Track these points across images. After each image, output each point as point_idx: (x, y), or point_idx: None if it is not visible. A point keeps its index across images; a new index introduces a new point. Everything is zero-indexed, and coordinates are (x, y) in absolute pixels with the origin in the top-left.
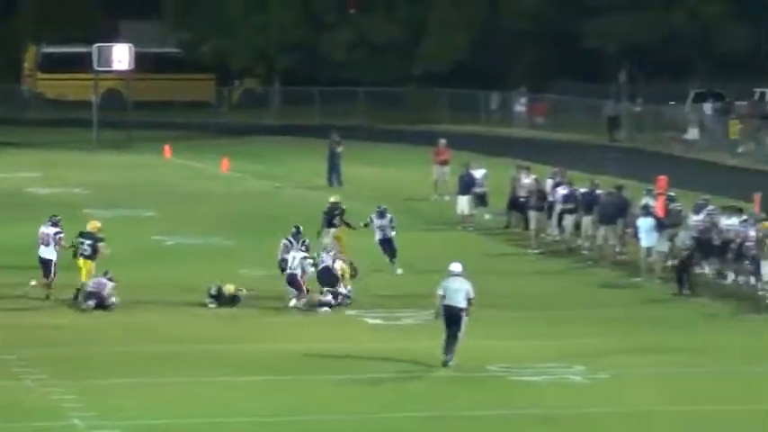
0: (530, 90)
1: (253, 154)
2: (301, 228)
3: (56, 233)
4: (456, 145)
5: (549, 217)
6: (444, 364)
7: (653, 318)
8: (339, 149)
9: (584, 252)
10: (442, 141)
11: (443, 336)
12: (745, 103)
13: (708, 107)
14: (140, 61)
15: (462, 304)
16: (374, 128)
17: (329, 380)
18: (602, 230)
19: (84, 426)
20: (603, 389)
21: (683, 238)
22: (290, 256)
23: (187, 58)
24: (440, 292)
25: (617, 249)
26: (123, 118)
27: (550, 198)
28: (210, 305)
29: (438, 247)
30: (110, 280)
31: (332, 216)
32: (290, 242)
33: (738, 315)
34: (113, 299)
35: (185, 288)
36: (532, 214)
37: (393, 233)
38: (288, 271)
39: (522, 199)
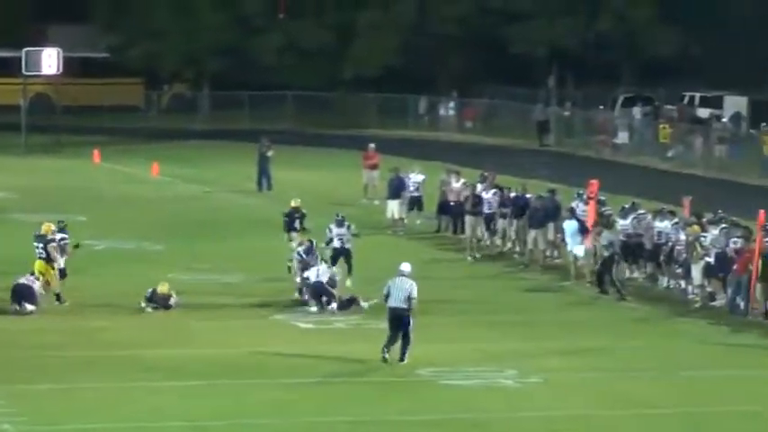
0: (459, 95)
1: (182, 158)
2: (315, 242)
3: (61, 239)
4: (385, 149)
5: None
6: (384, 360)
7: (583, 322)
8: (269, 154)
9: (516, 256)
10: (371, 146)
11: (386, 335)
12: (674, 106)
13: (637, 111)
14: (69, 66)
15: (404, 305)
16: (304, 132)
17: (259, 384)
18: (532, 234)
19: (15, 431)
20: (535, 393)
21: (606, 237)
22: (314, 270)
23: (116, 62)
24: (384, 291)
25: (547, 253)
26: (52, 122)
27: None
28: (147, 309)
29: (368, 252)
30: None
31: (292, 220)
32: (302, 257)
33: (668, 319)
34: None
35: (116, 293)
36: (468, 219)
37: (349, 245)
38: (313, 280)
39: (451, 203)
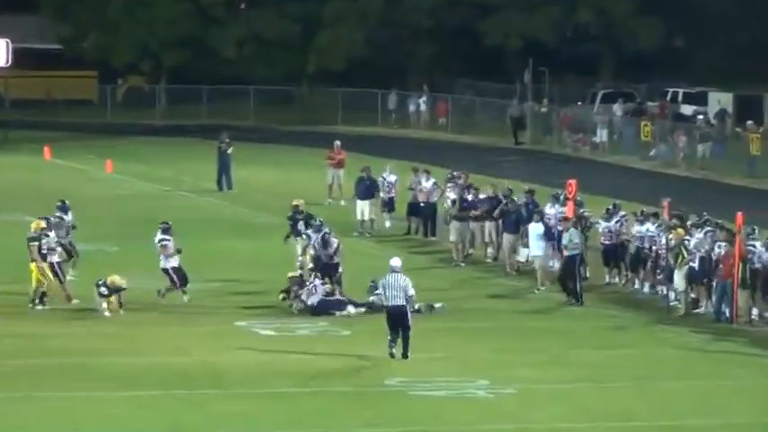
0: (430, 89)
1: (138, 155)
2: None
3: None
4: (351, 147)
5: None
6: (392, 356)
7: (559, 330)
8: (229, 151)
9: (488, 260)
10: (337, 143)
11: (388, 337)
12: (656, 103)
13: (617, 108)
14: (18, 57)
15: (402, 302)
16: (266, 128)
17: (217, 395)
18: (507, 239)
19: None
20: (508, 404)
21: (571, 236)
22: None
23: (68, 54)
24: (379, 290)
25: (521, 259)
26: (0, 117)
27: (448, 202)
28: (103, 302)
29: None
30: None
31: (295, 221)
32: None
33: (649, 326)
34: None
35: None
36: (454, 225)
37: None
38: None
39: (421, 204)
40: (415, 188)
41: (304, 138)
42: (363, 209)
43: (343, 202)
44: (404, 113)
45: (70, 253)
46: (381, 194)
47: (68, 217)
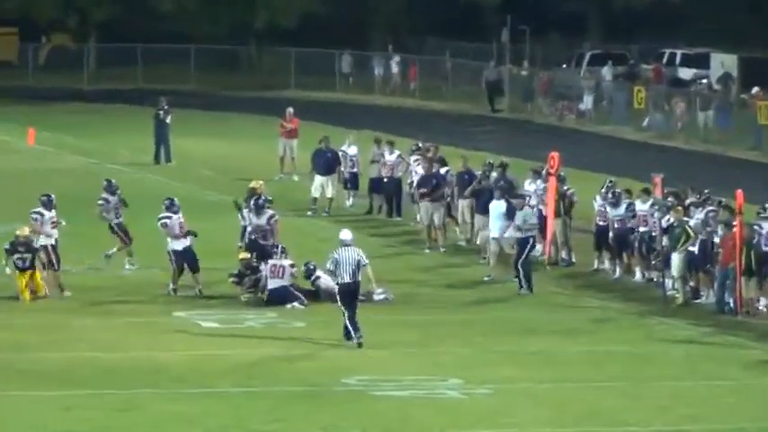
0: (394, 50)
1: (64, 124)
2: None
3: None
4: (306, 114)
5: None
6: (360, 345)
7: (539, 322)
8: (168, 119)
9: (461, 243)
10: (290, 110)
11: (344, 318)
12: (651, 66)
13: (606, 71)
14: None
15: (356, 278)
16: (209, 93)
17: (156, 395)
18: (479, 220)
19: None
20: (484, 406)
21: (526, 216)
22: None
23: None
24: (330, 266)
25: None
26: None
27: (413, 178)
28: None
29: (290, 240)
30: None
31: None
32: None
33: (643, 318)
34: None
35: None
36: (423, 205)
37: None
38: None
39: (385, 179)
40: (377, 161)
41: (252, 104)
42: (324, 185)
43: (296, 177)
44: (364, 77)
45: None
46: (342, 169)
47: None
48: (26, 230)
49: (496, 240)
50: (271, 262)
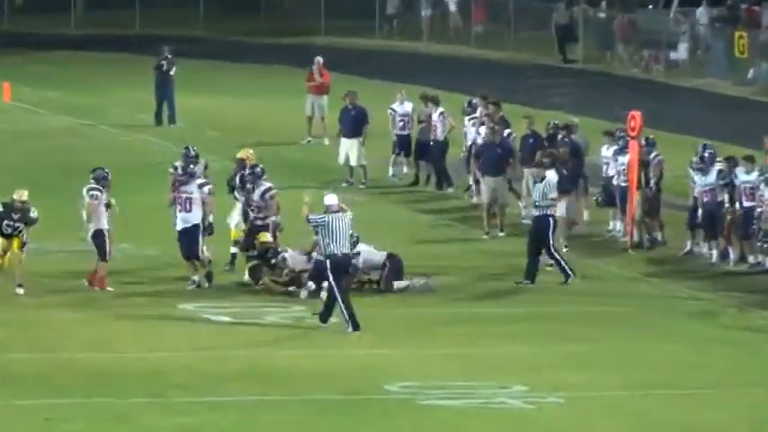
0: None
1: (47, 77)
2: None
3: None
4: (339, 66)
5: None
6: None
7: (618, 318)
8: (171, 72)
9: (526, 221)
10: (319, 60)
11: (336, 294)
12: (757, 7)
13: (702, 13)
14: None
15: (349, 250)
16: (221, 41)
17: (152, 404)
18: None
19: None
20: (556, 418)
21: (545, 189)
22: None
23: None
24: (317, 239)
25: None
26: None
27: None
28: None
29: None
30: None
31: (243, 182)
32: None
33: (742, 313)
34: None
35: None
36: (487, 180)
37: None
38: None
39: (431, 143)
40: (424, 122)
41: (273, 53)
42: (348, 150)
43: (326, 141)
44: (411, 20)
45: None
46: (392, 131)
47: None
48: (24, 195)
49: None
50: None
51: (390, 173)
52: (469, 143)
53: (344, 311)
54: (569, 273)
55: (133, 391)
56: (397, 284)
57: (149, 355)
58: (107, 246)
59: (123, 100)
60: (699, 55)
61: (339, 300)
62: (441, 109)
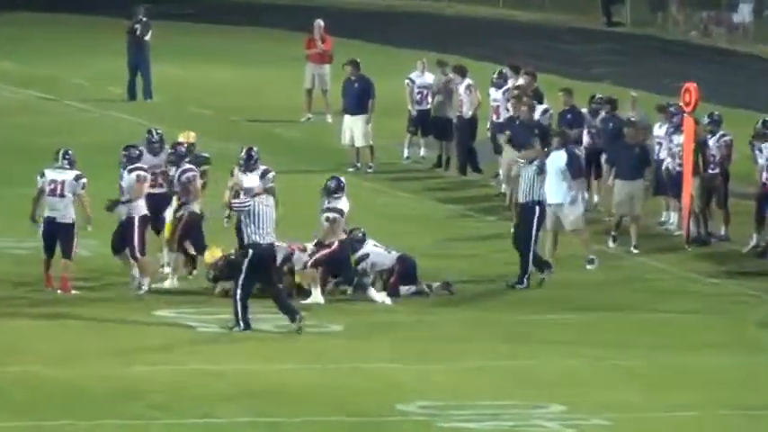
0: None
1: (3, 42)
2: None
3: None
4: (343, 30)
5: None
6: (299, 329)
7: (673, 325)
8: (147, 36)
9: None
10: (320, 23)
11: (236, 286)
12: None
13: None
14: None
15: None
16: (203, 0)
17: (126, 428)
18: (617, 185)
19: None
20: None
21: (529, 174)
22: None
23: None
24: (246, 221)
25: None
26: None
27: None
28: None
29: (308, 207)
30: None
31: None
32: None
33: None
34: None
35: None
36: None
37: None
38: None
39: (454, 120)
40: (441, 92)
41: (266, 15)
42: (353, 128)
43: (329, 118)
44: None
45: None
46: (410, 105)
47: None
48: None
49: (557, 209)
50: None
51: (405, 155)
52: (501, 121)
53: (239, 309)
54: (525, 279)
55: (102, 411)
56: (404, 290)
57: (122, 371)
58: (74, 241)
59: (91, 70)
60: (765, 16)
61: (238, 294)
62: (468, 80)
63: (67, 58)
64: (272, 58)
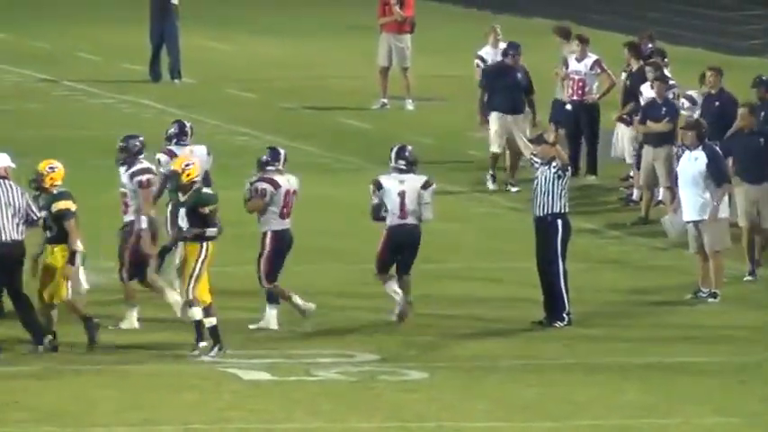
0: None
1: None
2: None
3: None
4: None
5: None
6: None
7: None
8: (174, 1)
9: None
10: None
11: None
12: None
13: None
14: None
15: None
16: None
17: None
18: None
19: None
20: None
21: (547, 178)
22: None
23: None
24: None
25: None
26: None
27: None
28: None
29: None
30: None
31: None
32: None
33: None
34: None
35: None
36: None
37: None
38: None
39: (568, 105)
40: (559, 72)
41: None
42: (509, 131)
43: (410, 105)
44: None
45: None
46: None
47: None
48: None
49: (695, 226)
50: None
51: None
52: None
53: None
54: (564, 314)
55: None
56: None
57: (139, 430)
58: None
59: (102, 45)
60: None
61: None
62: (592, 56)
63: (71, 27)
64: (334, 28)
